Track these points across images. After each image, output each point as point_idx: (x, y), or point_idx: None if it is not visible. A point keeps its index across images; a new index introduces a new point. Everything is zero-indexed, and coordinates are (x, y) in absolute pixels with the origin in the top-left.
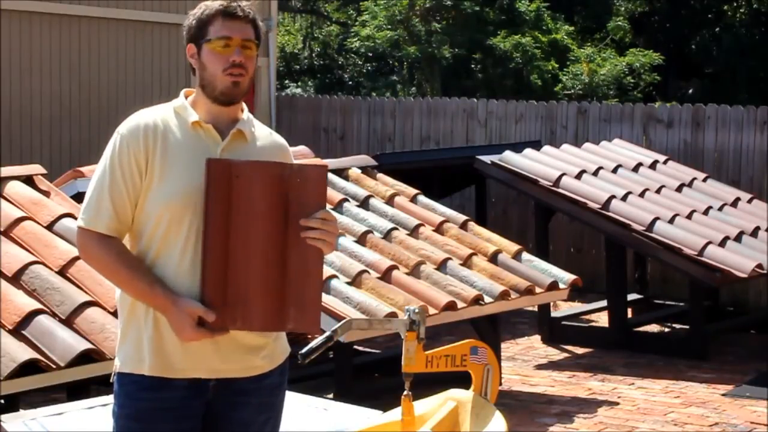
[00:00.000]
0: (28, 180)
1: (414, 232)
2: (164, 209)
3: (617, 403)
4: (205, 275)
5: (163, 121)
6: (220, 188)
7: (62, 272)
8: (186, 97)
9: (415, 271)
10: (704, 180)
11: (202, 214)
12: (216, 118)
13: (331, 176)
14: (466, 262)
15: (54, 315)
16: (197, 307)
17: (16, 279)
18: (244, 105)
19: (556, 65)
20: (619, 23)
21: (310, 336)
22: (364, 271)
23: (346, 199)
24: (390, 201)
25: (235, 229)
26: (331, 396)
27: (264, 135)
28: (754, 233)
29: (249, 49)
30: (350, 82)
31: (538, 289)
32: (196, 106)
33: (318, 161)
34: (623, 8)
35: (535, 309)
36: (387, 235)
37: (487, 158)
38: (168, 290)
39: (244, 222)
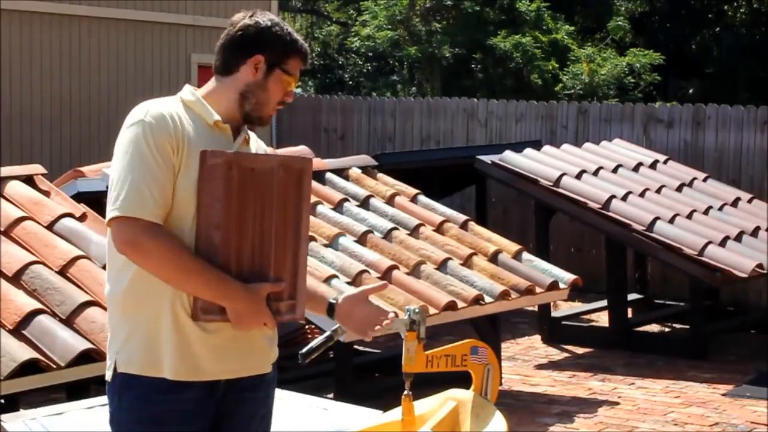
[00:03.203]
0: (29, 180)
1: (414, 232)
2: (184, 205)
3: (617, 403)
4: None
5: (183, 115)
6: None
7: (62, 272)
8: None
9: (415, 271)
10: (704, 180)
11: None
12: (229, 122)
13: (331, 176)
14: (467, 262)
15: (54, 315)
16: (265, 285)
17: (16, 279)
18: None
19: (557, 65)
20: (620, 23)
21: (310, 335)
22: (365, 270)
23: (346, 199)
24: (390, 201)
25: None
26: (331, 396)
27: (254, 139)
28: (755, 233)
29: None
30: (350, 82)
31: (538, 289)
32: (213, 105)
33: (318, 161)
34: (623, 8)
35: (536, 309)
36: (387, 235)
37: (487, 158)
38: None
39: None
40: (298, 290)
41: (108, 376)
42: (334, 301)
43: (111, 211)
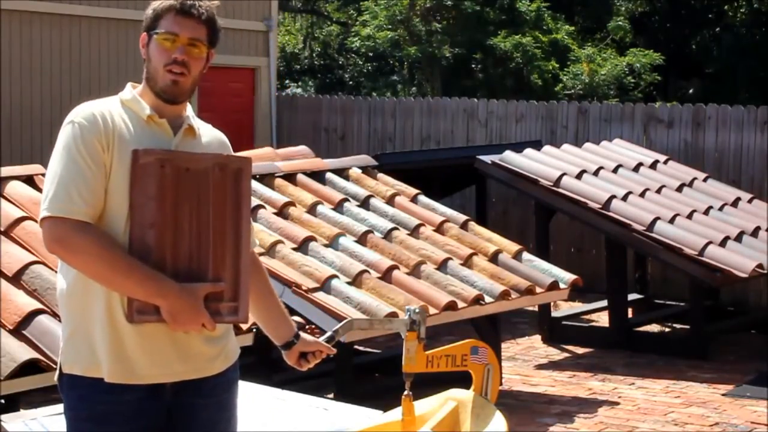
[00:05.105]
0: (29, 180)
1: (414, 232)
2: (117, 205)
3: (618, 403)
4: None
5: (116, 113)
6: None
7: None
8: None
9: (415, 271)
10: (704, 180)
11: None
12: (162, 112)
13: (331, 176)
14: (467, 262)
15: (54, 315)
16: (203, 285)
17: (16, 279)
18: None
19: (557, 65)
20: (620, 23)
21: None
22: (365, 271)
23: (346, 199)
24: (390, 201)
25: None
26: (331, 396)
27: (207, 130)
28: (755, 233)
29: (196, 49)
30: (350, 82)
31: (538, 289)
32: (143, 99)
33: (318, 161)
34: (623, 8)
35: (536, 309)
36: (387, 235)
37: (487, 158)
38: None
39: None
40: (241, 292)
41: (55, 377)
42: (295, 340)
43: (41, 212)
